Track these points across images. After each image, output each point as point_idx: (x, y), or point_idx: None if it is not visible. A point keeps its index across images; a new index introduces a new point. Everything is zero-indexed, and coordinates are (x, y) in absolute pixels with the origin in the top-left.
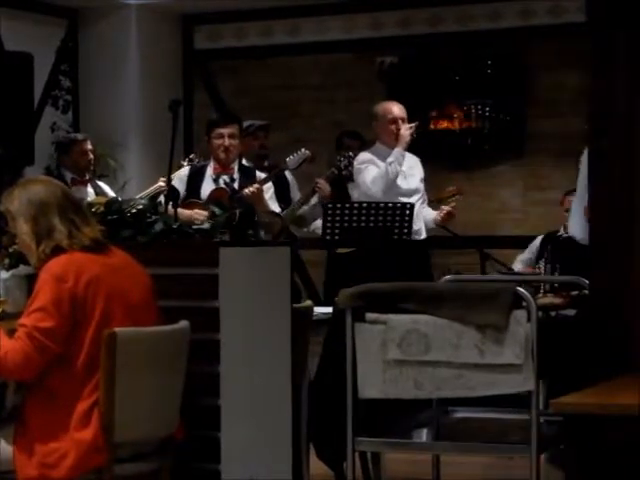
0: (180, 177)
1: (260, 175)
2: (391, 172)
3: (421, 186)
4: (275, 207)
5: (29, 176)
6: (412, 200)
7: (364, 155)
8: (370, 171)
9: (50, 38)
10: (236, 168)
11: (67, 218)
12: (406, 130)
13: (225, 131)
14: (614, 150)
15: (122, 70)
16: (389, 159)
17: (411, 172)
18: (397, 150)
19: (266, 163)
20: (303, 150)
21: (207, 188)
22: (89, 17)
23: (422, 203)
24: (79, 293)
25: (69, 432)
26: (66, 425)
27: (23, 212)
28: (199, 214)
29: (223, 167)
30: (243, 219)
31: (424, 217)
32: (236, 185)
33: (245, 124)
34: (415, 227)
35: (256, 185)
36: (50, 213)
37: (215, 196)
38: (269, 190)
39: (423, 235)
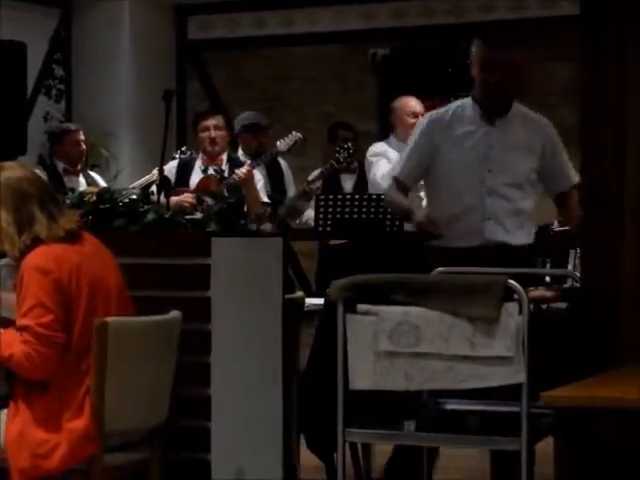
0: (169, 169)
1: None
2: None
3: None
4: (264, 198)
5: None
6: (421, 194)
7: (378, 147)
8: (381, 166)
9: (43, 27)
10: (225, 159)
11: (46, 210)
12: None
13: (210, 123)
14: (605, 145)
15: (115, 60)
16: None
17: None
18: None
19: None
20: (294, 133)
21: (196, 179)
22: (82, 6)
23: None
24: (64, 282)
25: (61, 422)
26: (58, 415)
27: (4, 201)
28: (187, 197)
29: (211, 159)
30: (233, 209)
31: None
32: (226, 175)
33: (249, 120)
34: None
35: (247, 167)
36: (31, 204)
37: (203, 184)
38: (259, 181)
39: None
